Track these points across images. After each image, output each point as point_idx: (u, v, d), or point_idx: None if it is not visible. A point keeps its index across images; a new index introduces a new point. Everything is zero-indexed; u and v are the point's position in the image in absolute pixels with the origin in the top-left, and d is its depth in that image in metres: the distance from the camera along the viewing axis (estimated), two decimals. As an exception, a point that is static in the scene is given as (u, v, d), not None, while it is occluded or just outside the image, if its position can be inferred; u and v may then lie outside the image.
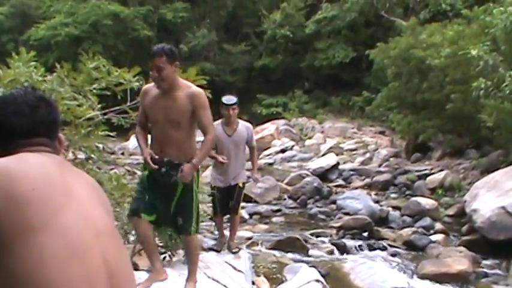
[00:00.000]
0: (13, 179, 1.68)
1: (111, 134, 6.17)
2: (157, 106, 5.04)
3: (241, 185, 7.61)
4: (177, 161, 4.99)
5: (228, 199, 7.53)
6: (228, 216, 7.88)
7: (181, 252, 6.40)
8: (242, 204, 12.82)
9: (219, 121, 7.48)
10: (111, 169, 7.38)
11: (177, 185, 5.05)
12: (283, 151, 24.57)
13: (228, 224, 8.00)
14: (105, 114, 6.21)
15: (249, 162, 8.16)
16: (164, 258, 6.31)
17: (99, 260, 1.71)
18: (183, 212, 5.11)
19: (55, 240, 1.63)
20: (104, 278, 1.71)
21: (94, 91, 6.05)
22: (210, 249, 7.62)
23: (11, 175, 1.68)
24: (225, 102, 7.43)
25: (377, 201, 13.90)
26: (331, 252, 9.82)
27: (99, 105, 6.11)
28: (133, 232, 6.33)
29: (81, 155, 6.08)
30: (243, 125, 7.75)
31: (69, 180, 1.81)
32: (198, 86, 6.10)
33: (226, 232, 7.92)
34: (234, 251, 7.39)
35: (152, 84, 5.17)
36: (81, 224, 1.72)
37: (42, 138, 1.90)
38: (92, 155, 6.07)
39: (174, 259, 6.36)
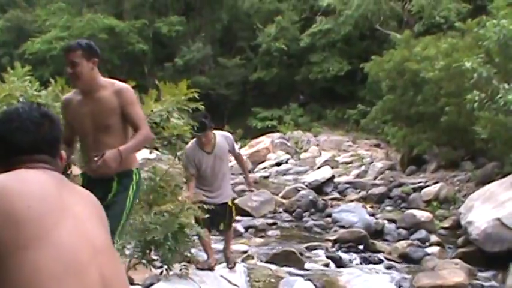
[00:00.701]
0: (9, 196, 1.67)
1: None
2: (80, 113, 4.52)
3: (230, 203, 7.35)
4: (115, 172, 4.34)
5: (218, 220, 7.16)
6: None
7: (177, 266, 6.39)
8: (237, 218, 12.88)
9: (193, 140, 7.08)
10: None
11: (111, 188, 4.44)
12: (278, 164, 24.55)
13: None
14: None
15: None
16: (161, 272, 6.29)
17: (95, 277, 1.70)
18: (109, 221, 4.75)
19: (50, 257, 1.62)
20: None
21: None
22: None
23: (6, 192, 1.68)
24: (196, 133, 6.77)
25: (372, 214, 13.89)
26: (326, 265, 9.78)
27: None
28: (128, 246, 6.32)
29: (77, 171, 6.07)
30: (221, 136, 7.26)
31: (66, 197, 1.81)
32: (190, 99, 6.15)
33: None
34: (230, 266, 7.23)
35: (72, 92, 4.76)
36: (77, 241, 1.71)
37: (43, 156, 1.90)
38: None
39: (170, 273, 6.33)
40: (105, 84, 4.56)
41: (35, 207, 1.68)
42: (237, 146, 7.59)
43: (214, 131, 7.17)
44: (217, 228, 7.35)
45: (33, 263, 1.60)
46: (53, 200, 1.75)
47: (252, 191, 8.61)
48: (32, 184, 1.76)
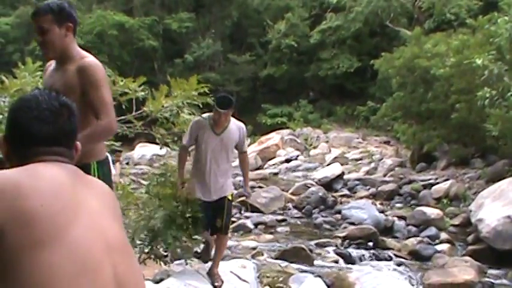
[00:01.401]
0: (22, 194, 1.64)
1: (116, 143, 6.17)
2: (46, 85, 3.90)
3: (230, 197, 6.33)
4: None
5: (215, 216, 6.25)
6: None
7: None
8: (247, 214, 12.87)
9: (207, 115, 6.25)
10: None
11: None
12: (288, 161, 24.54)
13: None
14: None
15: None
16: (166, 262, 6.32)
17: (109, 275, 1.68)
18: None
19: (64, 256, 1.60)
20: None
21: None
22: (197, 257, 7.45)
23: (20, 190, 1.65)
24: (218, 107, 5.99)
25: (382, 211, 13.87)
26: (336, 262, 9.80)
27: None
28: (138, 242, 6.33)
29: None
30: (234, 124, 6.34)
31: (81, 192, 1.78)
32: (200, 94, 6.14)
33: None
34: (216, 284, 6.17)
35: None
36: (91, 238, 1.69)
37: (61, 148, 1.86)
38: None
39: (180, 268, 6.34)
40: (76, 57, 3.77)
41: (47, 206, 1.65)
42: (246, 143, 6.75)
43: (232, 117, 6.32)
44: (214, 226, 6.29)
45: (46, 263, 1.58)
46: (67, 197, 1.72)
47: (247, 196, 7.77)
48: (46, 181, 1.72)
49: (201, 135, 6.16)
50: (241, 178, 7.28)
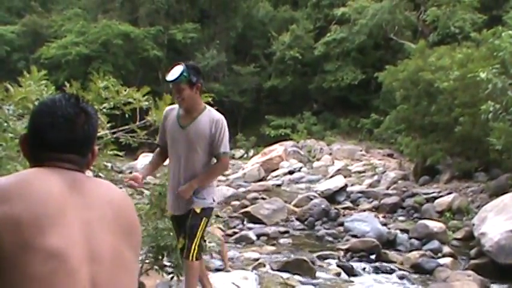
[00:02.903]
0: (8, 200, 1.67)
1: (120, 153, 6.18)
2: None
3: (198, 210, 4.97)
4: None
5: (178, 235, 5.22)
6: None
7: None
8: (249, 225, 12.84)
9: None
10: (119, 188, 7.40)
11: None
12: (291, 172, 24.51)
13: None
14: (114, 133, 6.22)
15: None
16: (172, 278, 6.29)
17: (85, 284, 1.66)
18: None
19: (38, 260, 1.61)
20: None
21: (103, 110, 6.08)
22: (217, 270, 7.57)
23: (6, 195, 1.68)
24: (167, 78, 5.11)
25: (385, 224, 13.84)
26: (338, 275, 9.76)
27: (108, 124, 6.13)
28: (140, 252, 6.32)
29: (90, 174, 6.09)
30: (208, 115, 5.01)
31: (74, 201, 1.76)
32: (207, 103, 6.13)
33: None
34: None
35: None
36: (69, 247, 1.67)
37: (72, 155, 1.86)
38: (100, 174, 6.07)
39: (181, 278, 6.32)
40: None
41: (32, 210, 1.66)
42: (225, 142, 5.03)
43: (206, 106, 5.14)
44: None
45: (21, 268, 1.60)
46: (54, 203, 1.71)
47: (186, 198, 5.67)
48: (36, 187, 1.72)
49: (167, 129, 5.21)
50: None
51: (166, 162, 5.38)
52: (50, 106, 1.86)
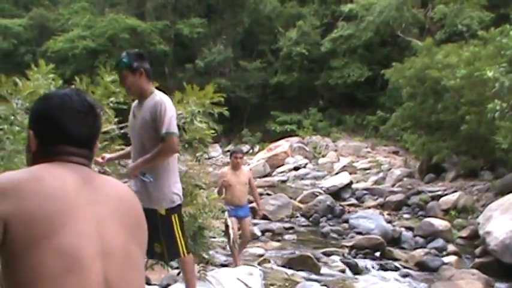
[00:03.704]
0: (21, 195, 1.68)
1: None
2: None
3: (163, 212, 4.74)
4: None
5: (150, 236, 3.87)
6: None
7: (196, 267, 6.41)
8: (254, 221, 12.87)
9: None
10: (125, 182, 7.40)
11: None
12: (296, 169, 24.52)
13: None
14: (121, 128, 6.24)
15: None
16: (179, 273, 6.31)
17: (98, 280, 1.68)
18: None
19: (51, 256, 1.63)
20: None
21: (111, 105, 6.09)
22: (223, 265, 7.60)
23: (19, 191, 1.69)
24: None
25: (390, 221, 13.85)
26: (343, 272, 9.77)
27: (115, 119, 6.15)
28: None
29: (96, 168, 6.10)
30: (151, 100, 4.76)
31: (86, 196, 1.78)
32: (213, 103, 6.11)
33: None
34: None
35: None
36: (82, 242, 1.69)
37: (86, 150, 1.90)
38: (107, 169, 6.09)
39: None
40: None
41: (45, 207, 1.68)
42: (166, 124, 4.64)
43: (157, 91, 4.89)
44: (152, 253, 4.75)
45: (35, 262, 1.62)
46: (67, 200, 1.73)
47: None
48: (46, 183, 1.74)
49: (130, 117, 5.08)
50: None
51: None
52: (68, 100, 1.87)
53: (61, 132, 1.84)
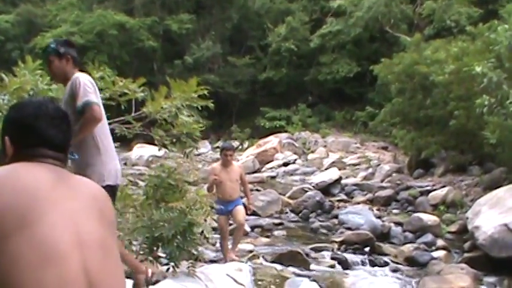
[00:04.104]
0: (1, 191, 1.76)
1: (115, 144, 6.17)
2: None
3: None
4: None
5: None
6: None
7: (185, 263, 6.39)
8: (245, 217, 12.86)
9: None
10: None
11: None
12: (285, 164, 24.52)
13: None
14: (109, 124, 6.21)
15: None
16: (168, 269, 6.29)
17: (77, 269, 1.73)
18: None
19: (29, 247, 1.68)
20: (82, 286, 1.73)
21: (98, 101, 6.05)
22: (212, 261, 7.59)
23: (0, 187, 1.77)
24: None
25: (379, 217, 13.86)
26: (332, 267, 9.78)
27: (103, 115, 6.11)
28: (135, 242, 6.33)
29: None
30: (70, 80, 4.74)
31: (61, 193, 1.86)
32: (199, 96, 6.10)
33: None
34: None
35: None
36: (58, 234, 1.75)
37: (61, 154, 2.01)
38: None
39: (177, 270, 6.33)
40: None
41: (20, 200, 1.75)
42: (82, 96, 4.59)
43: (78, 73, 4.82)
44: None
45: (12, 252, 1.67)
46: (42, 195, 1.80)
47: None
48: (24, 178, 1.82)
49: None
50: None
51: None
52: (40, 108, 1.99)
53: (39, 137, 1.95)
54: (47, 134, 1.95)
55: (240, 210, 8.97)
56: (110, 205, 2.07)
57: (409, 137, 19.52)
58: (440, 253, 10.69)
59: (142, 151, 25.23)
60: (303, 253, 9.91)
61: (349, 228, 12.56)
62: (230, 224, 9.07)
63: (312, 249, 10.95)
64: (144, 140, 21.82)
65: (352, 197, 17.15)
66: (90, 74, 5.01)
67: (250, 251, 10.33)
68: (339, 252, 10.80)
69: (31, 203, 1.76)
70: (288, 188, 18.10)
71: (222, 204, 8.51)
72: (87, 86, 4.61)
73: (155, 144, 6.58)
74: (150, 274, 5.61)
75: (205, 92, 6.16)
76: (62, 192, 1.86)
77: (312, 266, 9.60)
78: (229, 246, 9.03)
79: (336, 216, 13.93)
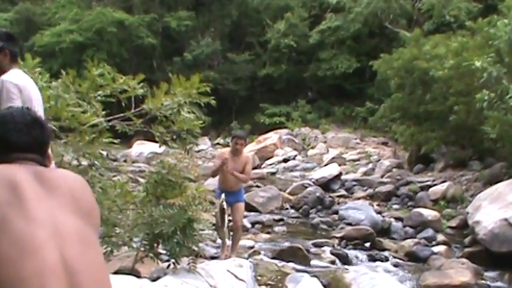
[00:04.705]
0: None
1: (115, 141, 6.17)
2: None
3: None
4: None
5: None
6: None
7: (185, 259, 6.39)
8: (244, 213, 12.92)
9: None
10: (114, 176, 7.38)
11: None
12: (285, 161, 24.55)
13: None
14: (109, 121, 6.20)
15: None
16: (168, 266, 6.29)
17: (55, 259, 1.77)
18: None
19: (7, 242, 1.74)
20: (62, 275, 1.76)
21: (98, 98, 6.06)
22: (212, 257, 7.58)
23: None
24: None
25: (379, 212, 13.87)
26: (333, 263, 9.79)
27: (103, 112, 6.11)
28: (135, 239, 6.33)
29: (85, 162, 6.07)
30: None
31: (37, 190, 1.93)
32: (200, 93, 6.09)
33: None
34: None
35: None
36: (35, 228, 1.80)
37: (34, 155, 2.11)
38: (96, 162, 6.06)
39: (178, 266, 6.33)
40: None
41: (2, 198, 1.85)
42: (8, 101, 4.30)
43: (14, 70, 4.60)
44: None
45: None
46: (18, 192, 1.88)
47: None
48: (3, 178, 1.92)
49: None
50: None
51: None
52: (9, 116, 2.14)
53: (5, 141, 2.08)
54: (13, 140, 2.07)
55: (239, 209, 8.63)
56: (88, 195, 2.12)
57: (409, 132, 19.52)
58: (441, 248, 10.69)
59: (142, 148, 25.26)
60: (304, 249, 9.92)
61: (349, 224, 12.56)
62: (229, 221, 8.83)
63: (312, 245, 10.95)
64: (143, 137, 21.82)
65: (353, 193, 17.17)
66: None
67: (251, 247, 10.33)
68: (339, 248, 10.81)
69: (6, 201, 1.84)
70: (288, 184, 18.12)
71: (222, 193, 8.32)
72: (11, 92, 4.33)
73: (155, 141, 6.57)
74: None
75: (208, 88, 6.15)
76: (37, 189, 1.93)
77: (313, 262, 9.61)
78: (228, 242, 8.82)
79: (336, 212, 13.93)
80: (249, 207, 13.80)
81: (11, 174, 1.94)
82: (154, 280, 6.18)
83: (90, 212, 2.05)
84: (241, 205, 8.71)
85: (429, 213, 12.47)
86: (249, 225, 12.51)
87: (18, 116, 2.12)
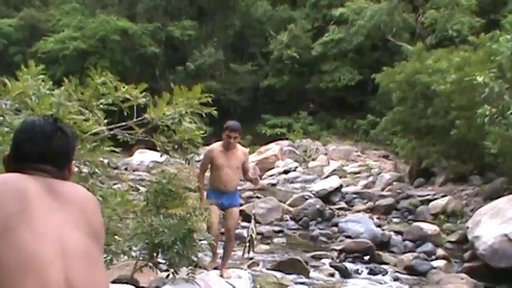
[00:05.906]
0: None
1: (116, 149, 6.17)
2: None
3: None
4: None
5: None
6: None
7: (184, 270, 6.38)
8: (243, 224, 12.88)
9: None
10: (114, 184, 7.37)
11: None
12: (286, 172, 24.53)
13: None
14: (111, 129, 6.21)
15: None
16: (168, 276, 6.29)
17: (58, 278, 1.74)
18: None
19: (9, 254, 1.72)
20: None
21: (101, 106, 6.06)
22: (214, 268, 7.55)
23: None
24: None
25: (379, 225, 13.85)
26: (332, 275, 9.77)
27: (105, 121, 6.12)
28: (134, 248, 6.32)
29: (86, 170, 6.07)
30: None
31: (48, 203, 1.90)
32: (202, 103, 6.10)
33: None
34: None
35: None
36: (41, 243, 1.78)
37: (47, 166, 2.05)
38: (96, 170, 6.06)
39: (177, 276, 6.32)
40: None
41: (4, 207, 1.81)
42: None
43: None
44: None
45: None
46: (27, 202, 1.85)
47: None
48: (11, 185, 1.90)
49: None
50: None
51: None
52: (30, 124, 2.12)
53: (19, 151, 2.08)
54: (24, 151, 2.05)
55: (233, 215, 7.70)
56: (99, 216, 2.09)
57: (410, 145, 19.53)
58: (440, 262, 10.67)
59: (143, 156, 25.29)
60: (303, 261, 9.89)
61: (349, 237, 12.55)
62: (222, 233, 8.06)
63: (311, 257, 10.94)
64: (144, 146, 21.84)
65: (353, 205, 17.15)
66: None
67: (250, 258, 10.30)
68: (338, 261, 10.79)
69: (14, 210, 1.81)
70: (289, 195, 18.09)
71: (214, 194, 7.52)
72: None
73: (156, 150, 6.58)
74: None
75: (209, 99, 6.16)
76: (47, 202, 1.90)
77: (312, 274, 9.58)
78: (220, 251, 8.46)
79: (336, 224, 13.91)
80: (249, 218, 13.77)
81: (20, 184, 1.91)
82: (153, 290, 6.19)
83: (98, 233, 2.03)
84: (236, 211, 7.83)
85: (429, 228, 12.44)
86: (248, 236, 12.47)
87: (38, 125, 2.09)
